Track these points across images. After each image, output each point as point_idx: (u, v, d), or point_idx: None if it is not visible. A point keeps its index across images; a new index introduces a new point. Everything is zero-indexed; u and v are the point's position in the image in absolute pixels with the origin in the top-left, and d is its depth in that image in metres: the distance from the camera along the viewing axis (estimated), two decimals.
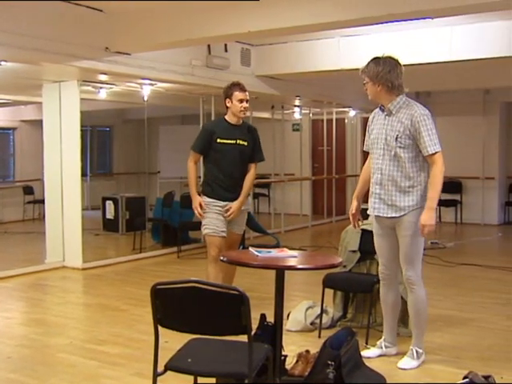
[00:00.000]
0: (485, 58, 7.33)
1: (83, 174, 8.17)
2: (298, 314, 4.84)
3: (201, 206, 5.00)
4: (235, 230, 5.12)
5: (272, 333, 3.54)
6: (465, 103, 11.65)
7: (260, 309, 3.63)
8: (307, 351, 3.84)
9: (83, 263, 7.46)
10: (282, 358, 3.63)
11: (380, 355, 4.16)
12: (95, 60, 6.64)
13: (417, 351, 4.00)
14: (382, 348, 4.18)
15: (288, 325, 4.74)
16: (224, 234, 4.98)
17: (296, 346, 4.21)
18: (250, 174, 5.09)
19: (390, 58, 3.90)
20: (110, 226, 10.46)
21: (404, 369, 3.93)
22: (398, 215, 3.88)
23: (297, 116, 12.35)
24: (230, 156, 4.96)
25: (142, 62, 7.16)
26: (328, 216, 12.37)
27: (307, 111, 12.15)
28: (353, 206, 4.20)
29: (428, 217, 3.75)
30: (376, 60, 3.88)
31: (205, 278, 4.79)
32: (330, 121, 12.46)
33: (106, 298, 6.04)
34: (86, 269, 7.41)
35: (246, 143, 5.00)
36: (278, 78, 9.08)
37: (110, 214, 10.44)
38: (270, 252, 3.73)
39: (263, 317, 4.10)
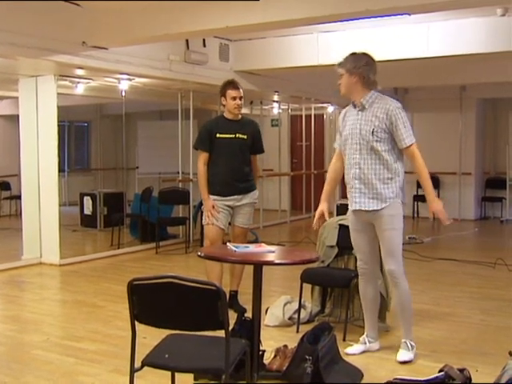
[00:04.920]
0: (461, 54, 7.39)
1: (61, 170, 8.08)
2: (276, 309, 4.85)
3: (213, 207, 5.02)
4: (238, 224, 5.14)
5: (250, 328, 3.56)
6: (442, 99, 11.75)
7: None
8: (285, 346, 3.86)
9: (60, 259, 7.39)
10: (260, 352, 3.65)
11: (364, 351, 4.16)
12: (72, 54, 6.58)
13: (410, 343, 4.03)
14: (365, 343, 4.19)
15: (266, 320, 4.75)
16: (220, 225, 5.01)
17: (274, 341, 4.22)
18: (254, 168, 5.23)
19: (367, 54, 3.99)
20: (87, 221, 10.40)
21: (404, 361, 3.94)
22: (379, 208, 3.89)
23: (275, 111, 12.37)
24: (230, 149, 5.02)
25: (119, 56, 7.10)
26: (307, 211, 12.40)
27: (286, 107, 12.21)
28: (324, 207, 4.22)
29: (437, 205, 3.85)
30: (354, 54, 3.98)
31: (183, 273, 4.81)
32: (308, 116, 12.48)
33: (84, 294, 5.99)
34: (64, 265, 7.34)
35: (245, 137, 5.07)
36: (256, 73, 9.08)
37: (87, 210, 10.37)
38: (247, 247, 3.75)
39: (241, 312, 4.11)
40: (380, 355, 4.12)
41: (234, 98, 4.98)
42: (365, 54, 3.98)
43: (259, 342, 3.59)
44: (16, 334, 4.73)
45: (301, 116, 12.46)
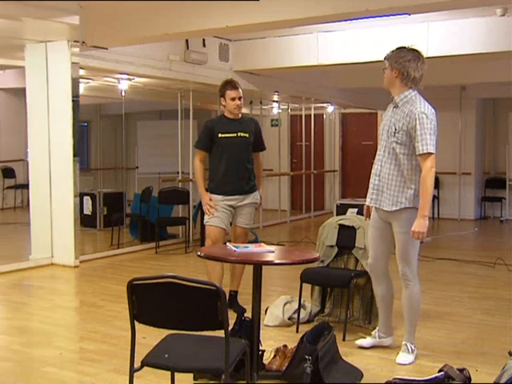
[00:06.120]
0: (461, 54, 7.40)
1: None
2: (275, 309, 4.84)
3: (211, 200, 5.01)
4: (239, 224, 5.13)
5: (250, 328, 3.56)
6: (442, 99, 11.67)
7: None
8: (285, 346, 3.85)
9: (75, 260, 6.81)
10: (260, 352, 3.65)
11: (374, 345, 4.19)
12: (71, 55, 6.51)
13: (410, 346, 4.01)
14: (376, 338, 4.21)
15: (266, 320, 4.74)
16: (222, 226, 5.00)
17: (274, 341, 4.22)
18: (258, 164, 5.30)
19: (415, 50, 3.93)
20: (87, 221, 10.20)
21: (402, 364, 3.93)
22: (389, 210, 3.89)
23: (275, 111, 12.37)
24: (232, 148, 5.03)
25: (119, 56, 7.08)
26: (306, 211, 12.40)
27: (286, 107, 12.21)
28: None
29: (418, 224, 3.73)
30: (401, 48, 3.94)
31: (183, 273, 4.82)
32: (308, 116, 12.48)
33: (83, 294, 5.94)
34: (78, 266, 6.91)
35: (247, 135, 5.09)
36: (256, 73, 9.08)
37: (87, 210, 10.24)
38: (247, 247, 3.75)
39: (241, 312, 4.10)
40: (380, 355, 4.12)
41: (234, 99, 4.99)
42: (412, 50, 3.90)
43: (259, 341, 3.59)
44: (24, 349, 4.31)
45: (300, 116, 12.45)
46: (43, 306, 5.49)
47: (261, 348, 3.67)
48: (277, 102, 11.81)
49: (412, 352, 4.01)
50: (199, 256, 3.58)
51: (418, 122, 3.74)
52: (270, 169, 11.80)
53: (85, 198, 10.27)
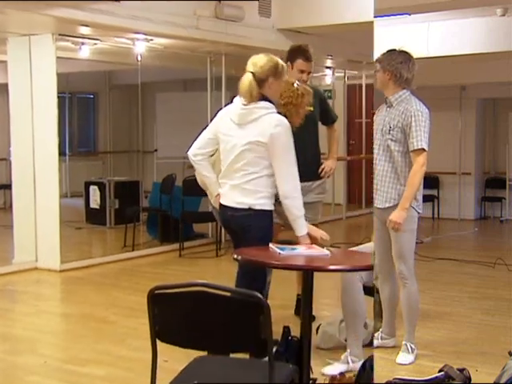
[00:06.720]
0: (461, 54, 7.41)
1: (61, 153, 7.03)
2: (329, 327, 4.23)
3: None
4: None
5: (297, 350, 3.09)
6: (441, 99, 11.70)
7: (281, 320, 3.29)
8: (341, 374, 3.52)
9: (61, 264, 6.46)
10: (311, 382, 3.21)
11: (378, 346, 4.18)
12: (75, 8, 5.53)
13: (410, 346, 4.03)
14: (378, 340, 4.21)
15: (317, 340, 4.14)
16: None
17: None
18: None
19: (405, 51, 4.07)
20: (94, 217, 9.04)
21: (402, 364, 3.94)
22: (382, 207, 3.95)
23: (328, 81, 10.57)
24: None
25: (134, 11, 5.99)
26: (367, 206, 10.72)
27: (341, 74, 10.47)
28: None
29: (398, 214, 3.81)
30: (391, 51, 4.08)
31: (214, 280, 4.48)
32: (370, 86, 10.55)
33: (90, 306, 5.33)
34: (65, 270, 6.49)
35: None
36: (304, 32, 7.50)
37: (94, 203, 8.98)
38: (294, 249, 3.22)
39: (286, 330, 3.40)
40: (380, 355, 4.10)
41: (303, 72, 4.90)
42: (402, 52, 4.03)
43: (309, 367, 3.11)
44: (6, 356, 4.13)
45: (360, 86, 10.80)
46: (27, 311, 5.28)
47: (311, 376, 3.19)
48: (330, 68, 10.07)
49: (412, 352, 4.02)
50: (235, 259, 3.14)
51: (413, 118, 3.85)
52: (323, 153, 10.96)
53: (91, 188, 9.11)
